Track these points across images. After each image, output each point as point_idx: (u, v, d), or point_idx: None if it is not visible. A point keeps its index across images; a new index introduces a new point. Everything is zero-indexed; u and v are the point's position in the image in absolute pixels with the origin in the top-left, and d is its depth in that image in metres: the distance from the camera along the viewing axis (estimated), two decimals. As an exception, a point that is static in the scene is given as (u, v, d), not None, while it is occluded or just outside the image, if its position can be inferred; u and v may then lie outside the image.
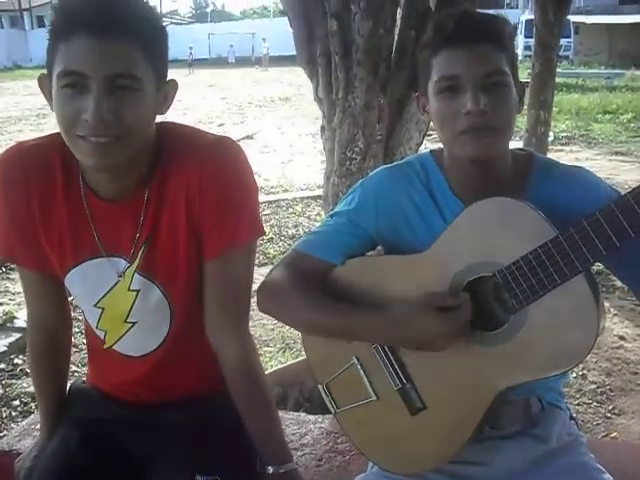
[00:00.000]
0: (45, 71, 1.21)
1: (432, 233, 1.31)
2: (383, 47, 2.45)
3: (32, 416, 2.05)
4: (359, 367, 1.37)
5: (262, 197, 7.81)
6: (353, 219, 1.39)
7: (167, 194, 1.29)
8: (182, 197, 1.28)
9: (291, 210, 7.31)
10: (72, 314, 1.56)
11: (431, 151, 1.42)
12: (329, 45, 2.57)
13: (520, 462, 1.34)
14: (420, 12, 2.60)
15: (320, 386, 1.44)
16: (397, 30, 2.66)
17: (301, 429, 1.89)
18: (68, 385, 1.58)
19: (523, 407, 1.37)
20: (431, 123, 2.72)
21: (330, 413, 1.48)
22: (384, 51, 2.46)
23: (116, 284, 1.35)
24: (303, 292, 1.35)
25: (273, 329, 4.22)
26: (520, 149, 1.40)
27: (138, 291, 1.35)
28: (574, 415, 1.49)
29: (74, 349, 3.87)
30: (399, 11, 2.60)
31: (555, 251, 1.15)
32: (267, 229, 6.46)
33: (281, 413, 1.97)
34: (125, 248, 1.33)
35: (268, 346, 4.06)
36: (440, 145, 1.38)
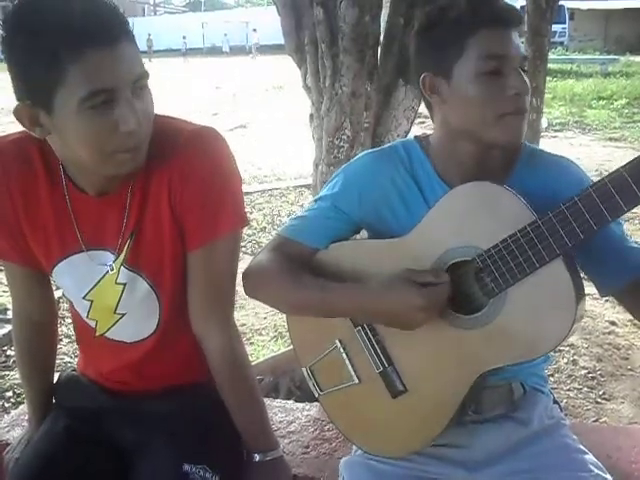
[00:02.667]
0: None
1: (415, 217, 1.31)
2: (369, 35, 2.45)
3: (21, 407, 2.05)
4: (342, 350, 1.38)
5: (255, 186, 7.83)
6: (336, 203, 1.39)
7: (151, 187, 1.29)
8: (165, 189, 1.28)
9: (284, 199, 7.31)
10: (65, 306, 1.57)
11: (416, 137, 1.43)
12: (316, 33, 2.57)
13: (501, 445, 1.35)
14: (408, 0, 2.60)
15: (304, 369, 1.45)
16: (384, 17, 2.67)
17: (288, 417, 1.90)
18: (57, 375, 1.59)
19: (505, 391, 1.38)
20: (419, 110, 2.75)
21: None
22: (370, 39, 2.46)
23: (103, 277, 1.35)
24: (287, 273, 1.35)
25: (265, 317, 4.23)
26: None
27: (125, 284, 1.35)
28: (558, 399, 1.51)
29: (67, 340, 3.88)
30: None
31: (534, 235, 1.16)
32: (260, 218, 6.47)
33: (268, 401, 1.99)
34: (111, 242, 1.33)
35: (261, 335, 4.07)
36: (426, 132, 1.38)
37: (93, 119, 1.12)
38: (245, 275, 1.41)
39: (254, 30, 31.94)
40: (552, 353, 3.65)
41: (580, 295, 1.17)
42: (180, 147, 1.27)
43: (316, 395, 1.45)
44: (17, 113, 1.17)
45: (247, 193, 7.31)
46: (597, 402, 3.29)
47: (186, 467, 1.31)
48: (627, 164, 1.10)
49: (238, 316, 4.22)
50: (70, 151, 1.20)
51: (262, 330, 4.13)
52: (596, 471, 1.27)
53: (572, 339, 3.89)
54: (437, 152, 1.36)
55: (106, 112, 1.13)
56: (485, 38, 1.23)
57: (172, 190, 1.28)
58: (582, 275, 1.25)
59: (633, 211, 1.13)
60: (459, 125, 1.29)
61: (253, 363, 3.25)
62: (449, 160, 1.34)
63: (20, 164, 1.30)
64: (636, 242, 1.32)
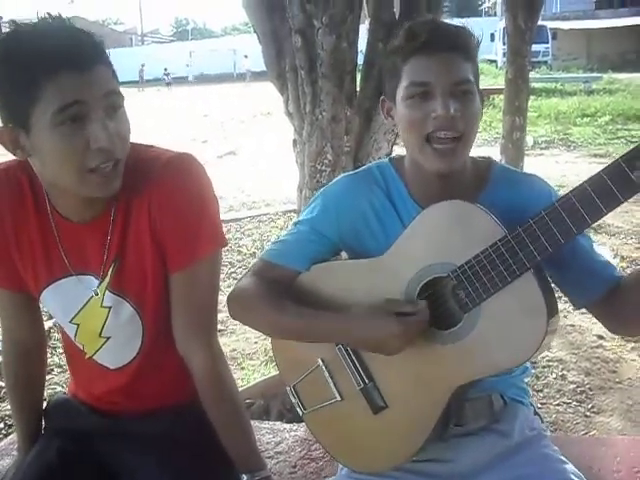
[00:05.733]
0: None
1: (391, 237, 1.35)
2: (347, 60, 2.51)
3: (11, 436, 2.06)
4: (324, 369, 1.41)
5: (244, 212, 7.84)
6: (316, 226, 1.43)
7: (131, 214, 1.34)
8: (145, 216, 1.33)
9: (273, 224, 7.32)
10: (56, 335, 1.59)
11: (390, 158, 1.47)
12: (296, 60, 2.63)
13: (484, 457, 1.37)
14: (387, 24, 2.67)
15: (288, 388, 1.48)
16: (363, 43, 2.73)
17: (276, 437, 1.91)
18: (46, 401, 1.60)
19: (486, 404, 1.41)
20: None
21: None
22: (348, 64, 2.52)
23: (89, 301, 1.39)
24: (269, 298, 1.39)
25: (256, 342, 4.24)
26: (481, 157, 1.45)
27: (110, 308, 1.38)
28: (547, 414, 1.53)
29: (59, 369, 3.88)
30: (363, 25, 2.66)
31: (504, 250, 1.20)
32: (249, 244, 6.48)
33: (257, 422, 2.01)
34: (94, 267, 1.37)
35: (251, 359, 4.08)
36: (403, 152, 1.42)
37: (65, 136, 1.18)
38: (229, 299, 1.44)
39: (245, 56, 31.98)
40: (541, 368, 3.67)
41: (551, 306, 1.20)
42: (158, 174, 1.32)
43: (300, 413, 1.48)
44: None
45: (236, 219, 7.34)
46: (586, 416, 3.30)
47: None
48: (590, 178, 1.14)
49: (229, 341, 4.23)
50: (49, 172, 1.26)
51: (253, 354, 4.14)
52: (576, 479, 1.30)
53: (560, 354, 3.91)
54: (408, 172, 1.40)
55: (78, 129, 1.19)
56: (413, 65, 1.29)
57: (152, 216, 1.32)
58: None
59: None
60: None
61: (244, 387, 3.26)
62: (419, 180, 1.38)
63: (11, 191, 1.35)
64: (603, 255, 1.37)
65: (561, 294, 1.35)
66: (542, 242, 1.17)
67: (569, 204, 1.15)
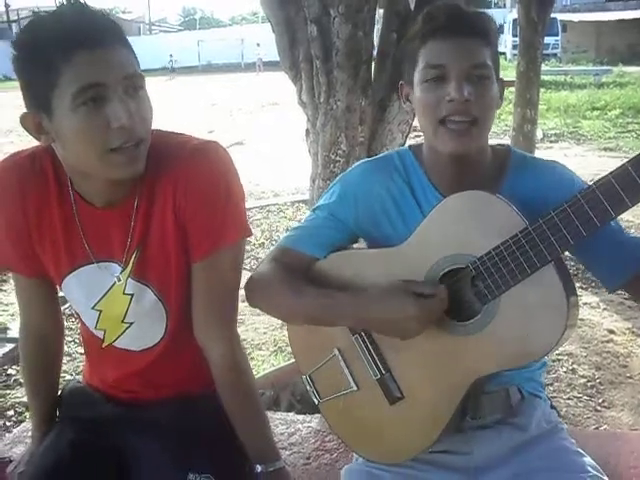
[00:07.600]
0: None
1: (410, 225, 1.34)
2: (362, 50, 2.49)
3: (24, 424, 2.07)
4: (340, 358, 1.40)
5: (253, 202, 7.83)
6: (334, 212, 1.42)
7: (156, 201, 1.33)
8: (170, 203, 1.32)
9: (282, 214, 7.32)
10: (65, 323, 1.58)
11: (410, 146, 1.46)
12: (311, 50, 2.61)
13: (500, 450, 1.37)
14: (401, 14, 2.66)
15: (304, 377, 1.47)
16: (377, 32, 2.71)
17: (289, 429, 1.91)
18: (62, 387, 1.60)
19: (503, 397, 1.40)
20: (414, 123, 2.78)
21: (319, 412, 1.51)
22: (364, 54, 2.51)
23: (111, 288, 1.38)
24: (288, 281, 1.38)
25: (265, 332, 4.24)
26: (499, 144, 1.44)
27: (132, 295, 1.38)
28: (558, 408, 1.52)
29: (68, 358, 3.89)
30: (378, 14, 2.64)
31: (525, 241, 1.18)
32: (258, 234, 6.48)
33: (270, 413, 2.01)
34: (117, 254, 1.36)
35: (260, 349, 4.08)
36: (421, 141, 1.41)
37: (86, 116, 1.18)
38: (247, 286, 1.43)
39: (258, 45, 31.81)
40: (551, 362, 3.66)
41: (572, 300, 1.19)
42: (184, 160, 1.31)
43: (316, 402, 1.47)
44: (23, 121, 1.24)
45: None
46: (597, 410, 3.30)
47: (190, 476, 1.33)
48: (614, 171, 1.12)
49: (238, 331, 4.22)
50: (72, 155, 1.25)
51: (262, 345, 4.14)
52: (593, 472, 1.29)
53: (571, 348, 3.90)
54: (428, 160, 1.39)
55: (98, 109, 1.18)
56: (430, 49, 1.28)
57: (176, 202, 1.31)
58: (586, 278, 1.26)
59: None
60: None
61: (253, 377, 3.26)
62: (438, 168, 1.37)
63: (35, 178, 1.35)
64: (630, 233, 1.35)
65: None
66: (563, 234, 1.15)
67: (592, 196, 1.13)
